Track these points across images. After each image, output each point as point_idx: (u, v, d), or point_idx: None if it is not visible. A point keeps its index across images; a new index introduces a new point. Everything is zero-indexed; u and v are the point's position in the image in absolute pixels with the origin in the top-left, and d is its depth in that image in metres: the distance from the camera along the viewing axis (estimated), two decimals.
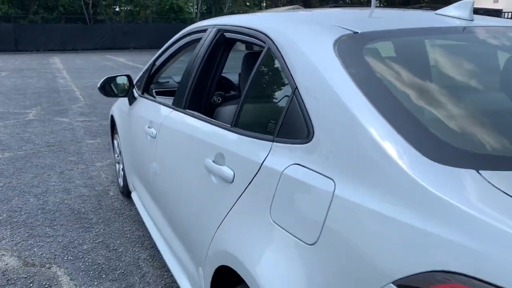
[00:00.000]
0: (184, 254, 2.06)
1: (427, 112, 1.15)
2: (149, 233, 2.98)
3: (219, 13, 38.82)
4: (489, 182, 0.90)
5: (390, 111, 1.11)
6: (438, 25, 1.64)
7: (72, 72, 15.48)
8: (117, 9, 37.18)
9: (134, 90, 3.27)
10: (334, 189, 1.11)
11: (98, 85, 3.13)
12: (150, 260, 2.92)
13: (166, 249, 2.43)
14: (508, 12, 17.77)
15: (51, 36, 29.83)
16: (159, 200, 2.46)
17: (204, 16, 39.16)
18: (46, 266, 2.83)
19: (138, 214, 3.54)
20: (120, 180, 3.95)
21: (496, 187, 0.88)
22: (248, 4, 40.58)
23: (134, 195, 3.35)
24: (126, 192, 3.76)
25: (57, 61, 20.80)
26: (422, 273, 0.85)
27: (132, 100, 3.24)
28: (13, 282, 2.66)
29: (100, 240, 3.20)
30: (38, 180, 4.43)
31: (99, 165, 4.92)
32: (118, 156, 3.98)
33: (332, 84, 1.26)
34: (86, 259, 2.93)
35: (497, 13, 21.58)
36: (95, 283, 2.65)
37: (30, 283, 2.65)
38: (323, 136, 1.21)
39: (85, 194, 4.05)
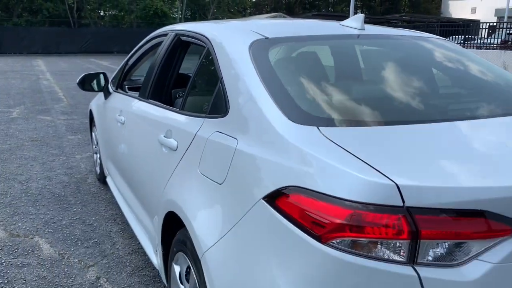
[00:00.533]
0: (143, 214, 2.54)
1: (297, 93, 1.66)
2: (121, 211, 3.43)
3: (203, 19, 39.34)
4: (322, 134, 1.40)
5: (276, 93, 1.61)
6: (337, 32, 2.16)
7: (56, 74, 15.78)
8: (101, 14, 37.43)
9: (109, 86, 3.74)
10: (237, 145, 1.60)
11: (77, 80, 3.59)
12: (121, 232, 3.38)
13: (130, 215, 2.90)
14: (485, 23, 18.65)
15: (35, 39, 29.96)
16: (126, 174, 2.94)
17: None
18: (29, 237, 3.27)
19: (112, 197, 3.98)
20: (97, 168, 4.40)
21: (326, 136, 1.38)
22: (232, 10, 41.17)
23: (108, 179, 3.80)
24: (102, 178, 4.21)
25: (41, 64, 21.02)
26: (278, 189, 1.35)
27: (107, 94, 3.70)
28: (0, 248, 3.09)
29: (77, 217, 3.64)
30: (22, 169, 4.84)
31: (79, 157, 5.34)
32: (95, 147, 4.43)
33: (243, 76, 1.76)
34: (65, 231, 3.37)
35: (474, 23, 22.43)
36: (72, 249, 3.10)
37: (16, 249, 3.08)
38: (234, 111, 1.71)
39: (65, 181, 4.48)
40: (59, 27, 32.29)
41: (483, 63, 2.25)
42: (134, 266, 2.90)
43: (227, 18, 37.53)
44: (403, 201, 1.13)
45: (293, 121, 1.46)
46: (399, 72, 2.02)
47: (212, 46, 2.08)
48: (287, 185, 1.31)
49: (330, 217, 1.18)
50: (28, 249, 3.09)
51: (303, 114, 1.50)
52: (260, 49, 1.87)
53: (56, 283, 2.68)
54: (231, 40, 2.00)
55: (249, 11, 51.96)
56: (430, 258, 1.15)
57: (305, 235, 1.22)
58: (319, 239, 1.20)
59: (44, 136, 6.40)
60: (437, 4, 51.68)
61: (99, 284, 2.67)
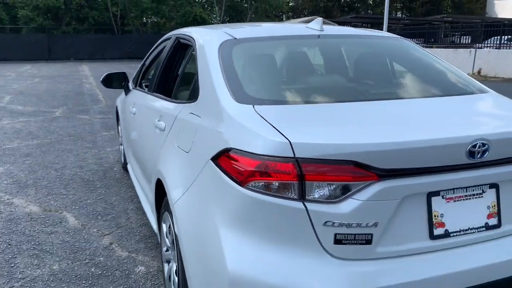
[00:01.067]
0: (145, 186, 3.03)
1: (244, 80, 2.08)
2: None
3: None
4: (255, 110, 1.81)
5: (230, 80, 2.04)
6: (300, 33, 2.57)
7: (98, 79, 16.81)
8: (144, 21, 38.94)
9: (129, 84, 4.28)
10: (200, 121, 2.05)
11: (101, 79, 4.15)
12: (135, 210, 3.90)
13: (139, 189, 3.41)
14: None
15: (81, 46, 31.69)
16: (136, 156, 3.46)
17: None
18: (59, 212, 3.84)
19: (132, 181, 4.52)
20: (122, 158, 4.96)
21: (257, 112, 1.80)
22: (269, 15, 41.75)
23: (128, 165, 4.34)
24: (125, 166, 4.76)
25: (86, 69, 22.32)
26: (219, 151, 1.77)
27: (127, 91, 4.25)
28: (35, 219, 3.67)
29: (101, 197, 4.19)
30: (58, 159, 5.49)
31: (109, 149, 5.96)
32: (120, 139, 5.00)
33: (210, 68, 2.20)
34: (88, 208, 3.92)
35: None
36: (92, 222, 3.63)
37: (47, 220, 3.66)
38: (202, 96, 2.16)
39: (94, 169, 5.07)
40: (104, 34, 33.98)
41: (423, 60, 2.60)
42: (143, 235, 3.39)
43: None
44: (294, 154, 1.53)
45: (237, 101, 1.89)
46: (334, 65, 2.42)
47: (195, 45, 2.53)
48: (224, 147, 1.74)
49: (247, 167, 1.60)
50: (57, 220, 3.65)
51: (245, 96, 1.92)
52: (227, 47, 2.30)
53: (76, 246, 3.21)
54: (208, 41, 2.45)
55: (286, 15, 52.42)
56: (315, 196, 1.54)
57: (233, 182, 1.65)
58: (240, 184, 1.62)
59: (81, 132, 7.09)
60: (482, 4, 50.18)
61: (111, 248, 3.19)
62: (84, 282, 2.73)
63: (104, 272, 2.86)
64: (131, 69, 22.59)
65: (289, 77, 2.29)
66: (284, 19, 49.73)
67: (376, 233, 1.57)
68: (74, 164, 5.26)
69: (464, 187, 1.70)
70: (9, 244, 3.23)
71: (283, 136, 1.57)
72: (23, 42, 31.56)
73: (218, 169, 1.74)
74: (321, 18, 2.63)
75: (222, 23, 39.90)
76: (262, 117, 1.73)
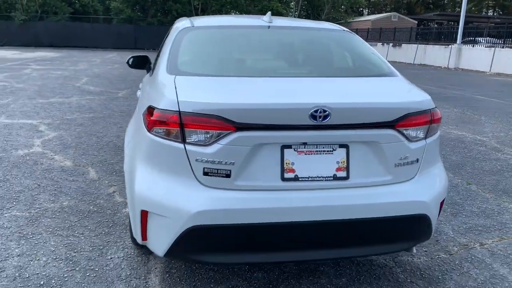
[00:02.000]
0: None
1: (181, 57, 2.65)
2: None
3: (317, 19, 40.19)
4: (173, 80, 2.39)
5: (171, 58, 2.63)
6: (252, 24, 3.09)
7: None
8: (223, 14, 40.43)
9: (151, 66, 5.02)
10: (148, 88, 2.67)
11: (126, 60, 4.93)
12: None
13: None
14: None
15: (163, 37, 33.83)
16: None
17: None
18: (85, 167, 4.69)
19: None
20: None
21: (174, 81, 2.37)
22: (347, 11, 41.31)
23: None
24: None
25: None
26: (146, 107, 2.38)
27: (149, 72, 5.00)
28: (65, 171, 4.55)
29: (122, 160, 4.99)
30: (103, 129, 6.44)
31: None
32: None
33: (165, 48, 2.81)
34: (109, 167, 4.74)
35: None
36: (107, 176, 4.43)
37: (74, 172, 4.52)
38: (154, 69, 2.78)
39: None
40: None
41: (352, 49, 3.01)
42: None
43: (340, 19, 37.85)
44: (179, 108, 2.09)
45: (167, 73, 2.48)
46: (267, 49, 2.90)
47: (169, 31, 3.16)
48: (148, 105, 2.35)
49: (152, 117, 2.19)
50: (80, 173, 4.50)
51: (174, 69, 2.50)
52: (183, 32, 2.90)
53: (87, 191, 4.01)
54: (174, 28, 3.06)
55: (366, 11, 51.37)
56: (191, 140, 2.09)
57: (145, 129, 2.25)
58: (148, 130, 2.22)
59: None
60: None
61: (112, 195, 3.94)
62: (81, 214, 3.50)
63: (99, 209, 3.61)
64: None
65: (220, 56, 2.82)
66: (363, 15, 48.81)
67: (234, 170, 2.09)
68: (113, 134, 6.17)
69: (315, 144, 2.15)
70: (39, 185, 4.11)
71: (175, 96, 2.14)
72: (113, 32, 34.42)
73: (143, 121, 2.36)
74: (269, 12, 3.12)
75: (298, 18, 40.25)
76: (174, 84, 2.31)
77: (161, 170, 2.19)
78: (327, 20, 38.84)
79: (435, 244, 3.19)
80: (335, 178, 2.19)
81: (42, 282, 2.56)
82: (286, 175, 2.15)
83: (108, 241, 3.08)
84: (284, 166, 2.15)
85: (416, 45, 26.62)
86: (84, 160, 4.93)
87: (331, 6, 38.82)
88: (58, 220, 3.38)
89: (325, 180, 2.18)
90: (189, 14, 36.22)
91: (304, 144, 2.15)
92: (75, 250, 2.94)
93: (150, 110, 2.25)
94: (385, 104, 2.24)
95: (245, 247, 2.19)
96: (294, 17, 39.75)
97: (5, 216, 3.41)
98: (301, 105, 2.09)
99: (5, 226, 3.25)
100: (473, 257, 3.04)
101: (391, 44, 29.26)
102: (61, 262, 2.78)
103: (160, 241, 2.19)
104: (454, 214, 3.75)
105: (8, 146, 5.33)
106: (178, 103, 2.11)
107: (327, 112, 2.09)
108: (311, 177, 2.17)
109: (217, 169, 2.10)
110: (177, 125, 2.10)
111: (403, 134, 2.24)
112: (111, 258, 2.86)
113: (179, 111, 2.10)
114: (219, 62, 2.72)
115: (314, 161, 2.17)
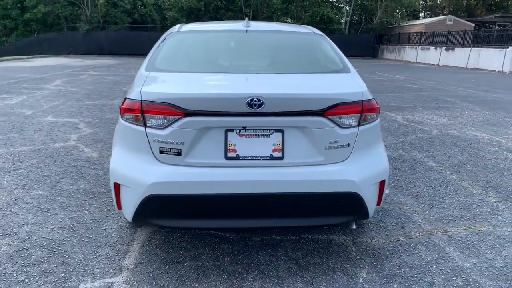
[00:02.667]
0: None
1: (160, 57, 3.10)
2: None
3: (369, 23, 39.75)
4: (147, 75, 2.85)
5: (152, 58, 3.10)
6: (231, 28, 3.51)
7: None
8: (274, 21, 41.06)
9: None
10: (133, 81, 3.16)
11: None
12: None
13: None
14: None
15: None
16: None
17: (353, 26, 40.52)
18: (108, 158, 5.30)
19: None
20: None
21: (147, 76, 2.83)
22: (401, 14, 40.50)
23: None
24: None
25: None
26: (124, 98, 2.86)
27: None
28: (90, 161, 5.17)
29: None
30: None
31: None
32: None
33: (151, 50, 3.29)
34: None
35: None
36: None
37: (97, 162, 5.13)
38: (141, 67, 3.26)
39: None
40: None
41: (318, 50, 3.33)
42: None
43: (394, 22, 37.19)
44: (141, 98, 2.55)
45: (145, 70, 2.95)
46: (238, 49, 3.29)
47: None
48: (125, 97, 2.82)
49: (123, 106, 2.66)
50: (102, 163, 5.10)
51: (151, 67, 2.96)
52: (169, 36, 3.37)
53: (102, 177, 4.58)
54: (165, 33, 3.54)
55: (422, 14, 49.99)
56: (150, 124, 2.54)
57: (120, 116, 2.73)
58: (121, 117, 2.70)
59: None
60: None
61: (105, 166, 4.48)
62: (91, 195, 4.06)
63: (108, 192, 4.16)
64: None
65: (192, 56, 3.25)
66: (421, 18, 47.53)
67: (184, 149, 2.51)
68: None
69: (254, 128, 2.53)
70: (64, 172, 4.75)
71: (140, 88, 2.60)
72: None
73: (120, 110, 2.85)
74: (246, 18, 3.51)
75: (350, 22, 40.04)
76: (145, 79, 2.78)
77: (129, 149, 2.66)
78: (380, 24, 38.33)
79: (399, 230, 3.43)
80: (271, 158, 2.56)
81: (45, 244, 3.11)
82: (229, 154, 2.55)
83: (107, 216, 3.61)
84: (228, 146, 2.54)
85: (469, 49, 25.74)
86: (108, 152, 5.55)
87: (384, 10, 38.28)
88: (71, 199, 3.96)
89: (263, 159, 2.55)
90: None
91: (244, 128, 2.54)
92: (78, 222, 3.48)
93: (124, 100, 2.73)
94: (314, 95, 2.58)
95: (194, 214, 2.61)
96: (346, 22, 39.59)
97: (30, 194, 4.04)
98: (238, 95, 2.48)
99: (28, 201, 3.87)
100: (430, 241, 3.25)
101: (443, 48, 28.45)
102: (64, 230, 3.33)
103: (128, 208, 2.66)
104: (432, 206, 3.94)
105: (47, 140, 6.08)
106: (140, 93, 2.57)
107: (261, 101, 2.46)
108: (251, 156, 2.55)
109: (170, 148, 2.53)
110: (139, 111, 2.56)
111: (333, 121, 2.56)
112: (105, 229, 3.37)
113: (141, 100, 2.56)
114: (189, 61, 3.17)
115: (253, 143, 2.55)
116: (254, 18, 38.28)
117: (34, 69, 18.24)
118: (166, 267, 2.84)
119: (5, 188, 4.19)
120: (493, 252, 3.11)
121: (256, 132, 2.55)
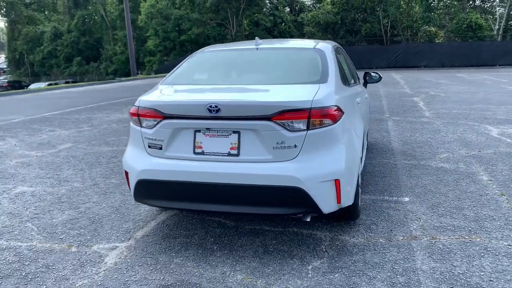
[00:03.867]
0: None
1: (178, 72, 3.83)
2: None
3: None
4: (158, 88, 3.62)
5: (172, 72, 3.87)
6: (244, 47, 4.10)
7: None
8: (413, 31, 39.36)
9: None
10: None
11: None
12: None
13: None
14: None
15: (350, 56, 35.03)
16: None
17: (509, 32, 36.52)
18: None
19: None
20: None
21: (159, 88, 3.60)
22: None
23: None
24: None
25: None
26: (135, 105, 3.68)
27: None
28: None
29: None
30: None
31: None
32: None
33: (178, 65, 4.06)
34: None
35: None
36: None
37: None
38: (164, 79, 4.05)
39: None
40: (372, 45, 36.39)
41: (304, 63, 3.70)
42: None
43: None
44: (139, 105, 3.31)
45: (160, 84, 3.73)
46: (231, 65, 3.82)
47: None
48: (136, 105, 3.62)
49: (130, 111, 3.46)
50: None
51: (164, 81, 3.72)
52: (191, 56, 4.11)
53: None
54: (194, 52, 4.28)
55: None
56: (143, 125, 3.26)
57: (132, 122, 3.55)
58: (130, 120, 3.51)
59: None
60: None
61: None
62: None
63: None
64: (388, 77, 24.13)
65: (196, 71, 3.89)
66: None
67: (163, 145, 3.19)
68: None
69: (216, 129, 3.08)
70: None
71: (140, 97, 3.38)
72: None
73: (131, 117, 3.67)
74: (257, 38, 4.07)
75: (506, 28, 36.24)
76: (153, 90, 3.55)
77: (133, 144, 3.45)
78: None
79: (385, 232, 3.58)
80: (229, 154, 3.09)
81: (91, 216, 4.10)
82: (196, 150, 3.15)
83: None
84: (195, 144, 3.16)
85: None
86: None
87: None
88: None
89: (222, 155, 3.10)
90: (378, 33, 36.59)
91: (208, 129, 3.12)
92: (124, 203, 4.42)
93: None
94: (263, 103, 3.03)
95: (171, 196, 3.27)
96: (500, 27, 35.97)
97: (106, 182, 5.16)
98: (200, 102, 3.09)
99: (101, 187, 4.98)
100: (406, 245, 3.35)
101: None
102: (110, 209, 4.29)
103: (131, 190, 3.44)
104: (441, 215, 3.91)
105: None
106: (139, 101, 3.35)
107: (218, 108, 3.02)
108: (213, 152, 3.12)
109: (155, 144, 3.25)
110: (137, 115, 3.33)
111: (280, 125, 2.98)
112: (139, 210, 4.23)
113: (138, 106, 3.33)
114: (190, 76, 3.85)
115: (215, 141, 3.12)
116: (392, 28, 37.27)
117: None
118: (162, 240, 3.55)
119: (92, 177, 5.40)
120: (464, 261, 3.10)
121: (217, 132, 3.12)
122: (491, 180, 4.88)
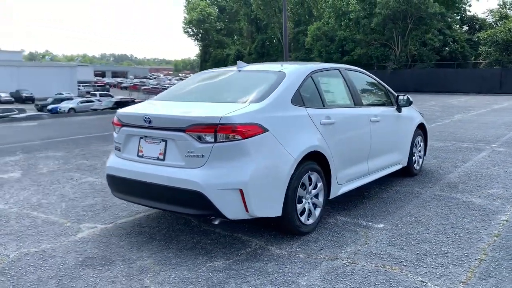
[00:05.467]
0: None
1: (168, 90, 4.55)
2: None
3: None
4: (151, 101, 4.41)
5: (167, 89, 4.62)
6: (228, 69, 4.62)
7: None
8: None
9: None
10: None
11: None
12: None
13: None
14: None
15: None
16: None
17: None
18: None
19: None
20: None
21: (149, 101, 4.39)
22: None
23: None
24: None
25: None
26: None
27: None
28: None
29: None
30: None
31: None
32: None
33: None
34: None
35: None
36: None
37: None
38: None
39: None
40: None
41: (254, 84, 4.01)
42: None
43: None
44: (116, 115, 4.14)
45: (149, 99, 4.52)
46: (204, 85, 4.31)
47: None
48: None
49: (112, 120, 4.32)
50: None
51: (155, 97, 4.49)
52: (190, 76, 4.80)
53: None
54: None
55: None
56: (115, 131, 4.07)
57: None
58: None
59: None
60: None
61: None
62: None
63: None
64: None
65: (178, 90, 4.49)
66: None
67: (121, 147, 3.93)
68: None
69: (151, 137, 3.70)
70: None
71: (119, 109, 4.22)
72: (476, 76, 34.08)
73: None
74: (240, 62, 4.50)
75: None
76: (146, 103, 4.37)
77: (119, 150, 4.29)
78: None
79: (316, 250, 3.64)
80: (157, 159, 3.67)
81: (107, 204, 5.09)
82: (139, 154, 3.82)
83: None
84: (139, 148, 3.82)
85: None
86: None
87: None
88: None
89: (153, 159, 3.70)
90: None
91: (146, 136, 3.76)
92: None
93: None
94: (180, 117, 3.53)
95: (124, 190, 3.98)
96: None
97: None
98: (140, 114, 3.75)
99: None
100: (315, 263, 3.39)
101: None
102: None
103: None
104: (392, 244, 3.74)
105: None
106: (116, 112, 4.19)
107: (150, 119, 3.65)
108: (148, 156, 3.74)
109: (117, 146, 4.03)
110: (118, 124, 4.15)
111: (191, 137, 3.45)
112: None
113: (115, 116, 4.18)
114: (172, 92, 4.49)
115: (151, 147, 3.74)
116: None
117: None
118: (136, 226, 4.29)
119: None
120: (353, 285, 3.05)
121: (152, 139, 3.73)
122: (507, 221, 4.30)
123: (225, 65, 68.03)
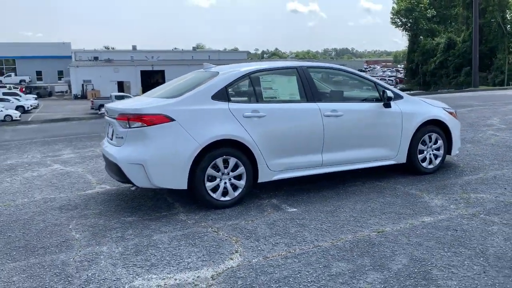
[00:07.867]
0: None
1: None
2: None
3: None
4: (145, 97, 5.82)
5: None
6: (197, 71, 5.60)
7: None
8: None
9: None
10: None
11: None
12: None
13: None
14: None
15: None
16: None
17: None
18: None
19: None
20: None
21: (145, 96, 5.80)
22: None
23: None
24: None
25: None
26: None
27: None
28: None
29: None
30: None
31: None
32: None
33: None
34: None
35: None
36: None
37: None
38: None
39: None
40: None
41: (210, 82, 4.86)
42: None
43: None
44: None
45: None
46: (176, 83, 5.32)
47: None
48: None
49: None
50: None
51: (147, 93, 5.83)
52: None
53: None
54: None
55: None
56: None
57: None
58: None
59: None
60: None
61: None
62: None
63: None
64: None
65: (161, 88, 5.58)
66: None
67: (106, 132, 5.41)
68: None
69: (109, 124, 5.05)
70: None
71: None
72: None
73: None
74: (208, 63, 5.34)
75: None
76: (135, 100, 5.78)
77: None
78: None
79: (203, 216, 4.44)
80: (111, 140, 5.01)
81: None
82: (109, 136, 5.21)
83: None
84: (108, 133, 5.22)
85: None
86: None
87: None
88: None
89: (109, 140, 5.06)
90: None
91: (109, 123, 5.12)
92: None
93: None
94: (114, 109, 4.78)
95: (106, 165, 5.44)
96: None
97: None
98: (107, 107, 5.14)
99: None
100: (181, 223, 4.22)
101: None
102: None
103: None
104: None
105: None
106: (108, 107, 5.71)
107: (107, 110, 5.02)
108: (109, 138, 5.11)
109: (105, 131, 5.52)
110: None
111: (118, 123, 4.66)
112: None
113: (106, 111, 5.67)
114: (159, 89, 5.65)
115: (110, 131, 5.09)
116: None
117: None
118: (128, 203, 5.75)
119: None
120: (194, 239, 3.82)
121: (109, 126, 5.08)
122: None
123: (434, 55, 63.31)
